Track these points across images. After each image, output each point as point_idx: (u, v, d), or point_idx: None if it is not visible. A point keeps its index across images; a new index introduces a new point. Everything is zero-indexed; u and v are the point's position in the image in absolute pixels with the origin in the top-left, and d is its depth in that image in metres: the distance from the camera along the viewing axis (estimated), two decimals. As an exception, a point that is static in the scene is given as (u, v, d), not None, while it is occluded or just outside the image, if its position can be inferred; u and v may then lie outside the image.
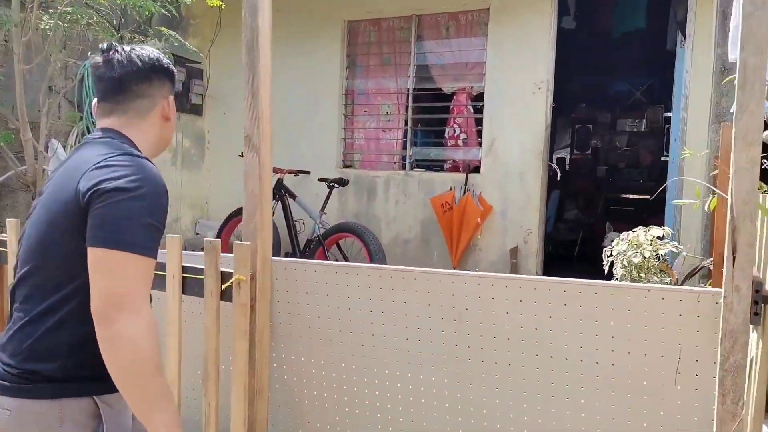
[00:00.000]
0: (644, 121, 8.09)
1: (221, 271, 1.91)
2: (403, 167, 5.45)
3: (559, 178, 5.03)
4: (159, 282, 1.82)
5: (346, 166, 5.71)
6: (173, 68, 1.40)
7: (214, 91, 6.00)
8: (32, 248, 1.23)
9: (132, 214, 1.13)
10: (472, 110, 5.20)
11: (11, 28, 3.38)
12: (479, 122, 5.11)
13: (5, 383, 1.18)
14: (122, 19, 4.29)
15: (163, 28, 3.91)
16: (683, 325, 1.68)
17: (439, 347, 1.99)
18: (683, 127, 4.36)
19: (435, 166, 5.42)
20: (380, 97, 5.57)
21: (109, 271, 1.11)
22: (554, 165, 4.94)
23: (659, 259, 2.53)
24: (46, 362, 1.17)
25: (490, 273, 1.90)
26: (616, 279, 2.76)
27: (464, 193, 4.97)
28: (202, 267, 1.92)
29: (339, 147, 5.67)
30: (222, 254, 1.94)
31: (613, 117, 8.28)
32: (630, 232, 2.64)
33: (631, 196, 8.07)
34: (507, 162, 4.92)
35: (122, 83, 1.29)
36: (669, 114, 7.70)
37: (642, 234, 2.57)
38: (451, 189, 5.05)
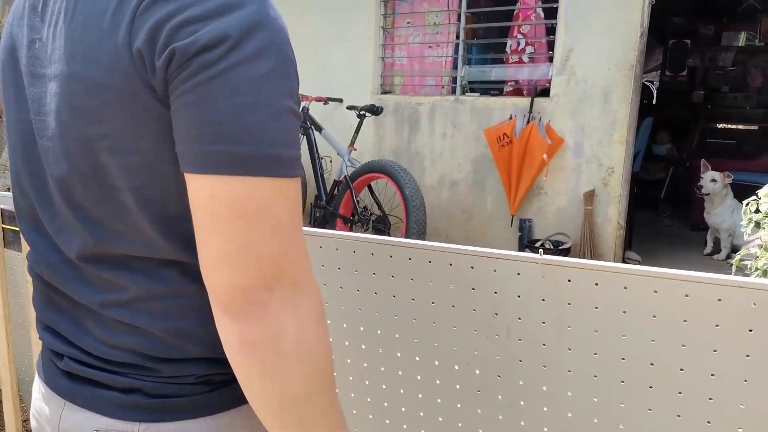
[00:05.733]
0: (758, 34, 6.58)
1: None
2: (453, 91, 4.45)
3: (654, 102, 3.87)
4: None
5: (384, 92, 4.76)
6: None
7: None
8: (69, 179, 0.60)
9: (260, 95, 0.52)
10: (542, 15, 4.07)
11: None
12: (551, 31, 4.00)
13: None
14: None
15: None
16: None
17: (470, 378, 1.14)
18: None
19: (493, 89, 4.38)
20: (426, 3, 4.51)
21: (241, 219, 0.52)
22: (652, 84, 3.78)
23: None
24: None
25: (560, 257, 1.00)
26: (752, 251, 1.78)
27: (528, 122, 3.95)
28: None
29: (376, 68, 4.71)
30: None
31: (717, 29, 6.79)
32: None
33: (733, 126, 6.73)
34: (586, 80, 3.82)
35: None
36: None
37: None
38: (511, 118, 4.04)
